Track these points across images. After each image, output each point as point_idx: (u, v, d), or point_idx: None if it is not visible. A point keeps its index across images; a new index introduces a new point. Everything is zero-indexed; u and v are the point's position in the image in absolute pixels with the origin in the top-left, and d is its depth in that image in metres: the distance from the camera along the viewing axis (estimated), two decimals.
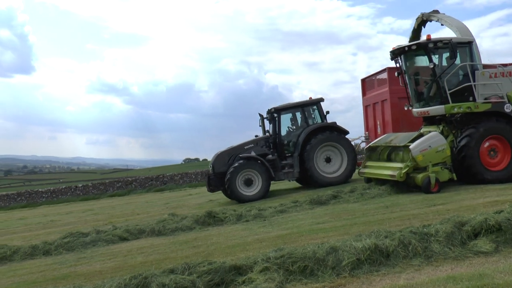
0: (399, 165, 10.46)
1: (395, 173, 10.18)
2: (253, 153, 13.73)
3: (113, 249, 8.15)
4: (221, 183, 13.55)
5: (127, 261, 6.94)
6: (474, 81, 10.49)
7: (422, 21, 12.62)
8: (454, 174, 10.20)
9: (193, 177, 26.91)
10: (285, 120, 14.71)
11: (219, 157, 13.86)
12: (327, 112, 14.48)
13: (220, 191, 14.18)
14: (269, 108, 14.62)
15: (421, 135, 10.75)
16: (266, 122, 14.88)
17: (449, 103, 10.45)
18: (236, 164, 13.31)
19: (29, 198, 27.82)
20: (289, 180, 14.78)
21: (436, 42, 10.48)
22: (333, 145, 13.97)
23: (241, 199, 13.16)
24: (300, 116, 14.61)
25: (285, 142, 14.40)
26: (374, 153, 12.28)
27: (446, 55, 10.76)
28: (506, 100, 10.59)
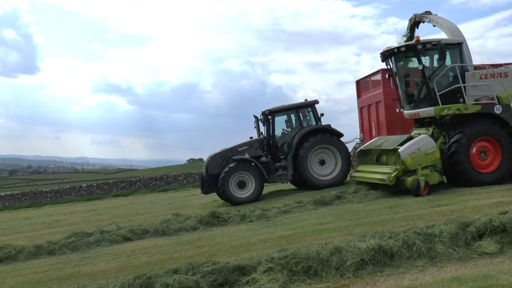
0: (389, 169, 10.38)
1: (385, 177, 10.12)
2: (246, 155, 13.65)
3: (117, 249, 8.17)
4: (215, 185, 13.48)
5: (131, 261, 6.95)
6: (464, 82, 10.37)
7: (414, 22, 12.55)
8: (444, 177, 9.91)
9: (197, 177, 26.94)
10: (280, 122, 14.60)
11: (213, 159, 13.81)
12: (322, 115, 14.40)
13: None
14: (263, 110, 14.49)
15: (410, 138, 10.61)
16: (261, 124, 14.73)
17: (439, 104, 10.32)
18: (230, 166, 13.25)
19: (33, 198, 27.97)
20: (283, 183, 14.63)
21: (425, 43, 10.40)
22: (327, 148, 13.89)
23: (234, 202, 13.07)
24: (295, 118, 14.50)
25: (279, 144, 14.31)
26: (365, 156, 12.19)
27: (436, 56, 10.63)
28: (496, 101, 10.45)
